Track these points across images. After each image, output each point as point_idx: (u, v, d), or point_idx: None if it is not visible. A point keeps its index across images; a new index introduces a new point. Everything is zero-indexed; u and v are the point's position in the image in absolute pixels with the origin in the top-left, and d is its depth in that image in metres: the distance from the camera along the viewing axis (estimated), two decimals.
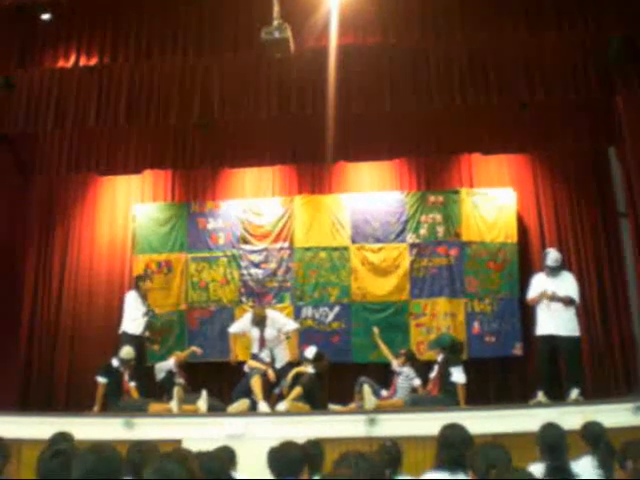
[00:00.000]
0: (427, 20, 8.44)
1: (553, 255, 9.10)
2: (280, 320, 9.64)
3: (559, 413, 6.55)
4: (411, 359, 9.47)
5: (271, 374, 8.91)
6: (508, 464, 3.51)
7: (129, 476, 3.82)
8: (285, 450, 4.15)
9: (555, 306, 8.74)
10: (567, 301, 8.69)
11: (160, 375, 9.49)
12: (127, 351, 9.30)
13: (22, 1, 8.08)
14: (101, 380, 9.07)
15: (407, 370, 9.26)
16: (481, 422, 6.54)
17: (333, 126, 9.51)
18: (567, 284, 8.88)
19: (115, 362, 9.21)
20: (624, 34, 8.64)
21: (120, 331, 9.99)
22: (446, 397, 8.23)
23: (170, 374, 9.39)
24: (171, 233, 11.33)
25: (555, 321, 8.67)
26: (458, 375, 8.32)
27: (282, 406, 8.27)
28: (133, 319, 9.98)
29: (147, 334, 10.24)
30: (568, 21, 8.25)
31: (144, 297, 10.21)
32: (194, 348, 9.97)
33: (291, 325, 9.76)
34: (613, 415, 6.54)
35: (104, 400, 9.01)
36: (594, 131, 10.28)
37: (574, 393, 8.26)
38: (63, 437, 5.26)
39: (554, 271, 8.94)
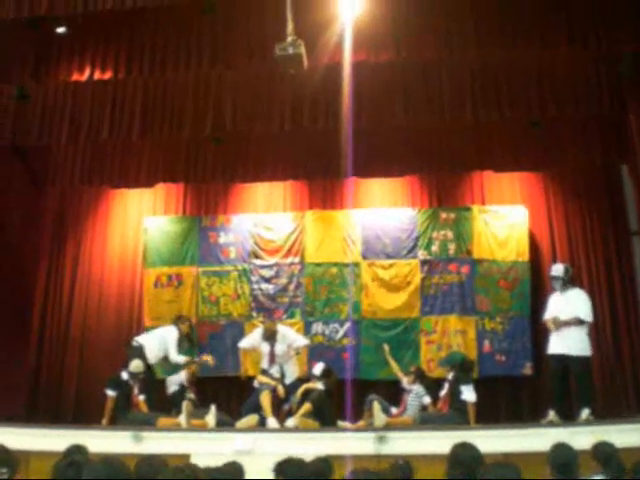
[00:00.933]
0: (439, 36, 8.45)
1: (555, 266, 9.09)
2: (290, 336, 9.62)
3: (569, 433, 6.51)
4: (421, 377, 9.42)
5: (280, 390, 8.88)
6: None
7: None
8: (293, 465, 4.13)
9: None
10: (574, 323, 8.57)
11: (172, 388, 9.47)
12: (136, 365, 9.28)
13: (38, 14, 8.12)
14: (110, 393, 9.05)
15: (417, 388, 9.22)
16: (491, 441, 6.49)
17: (345, 142, 9.51)
18: (577, 302, 8.74)
19: (124, 375, 9.20)
20: (637, 49, 8.61)
21: (135, 343, 9.90)
22: (456, 415, 8.19)
23: (182, 387, 9.36)
24: (182, 246, 11.35)
25: (565, 341, 8.59)
26: (468, 394, 8.28)
27: (291, 422, 8.23)
28: (161, 350, 9.87)
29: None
30: (581, 37, 8.26)
31: (182, 339, 10.16)
32: (206, 357, 9.89)
33: (301, 341, 9.74)
34: (624, 435, 6.47)
35: (113, 413, 8.99)
36: (606, 148, 10.25)
37: (585, 413, 8.18)
38: (78, 449, 5.24)
39: (559, 284, 8.83)
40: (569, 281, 8.90)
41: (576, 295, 8.83)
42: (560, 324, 8.54)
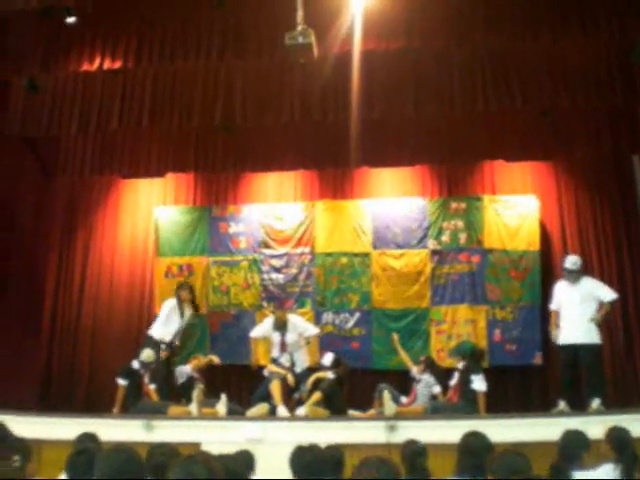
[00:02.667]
0: (451, 26, 8.44)
1: (572, 258, 9.04)
2: (301, 325, 9.63)
3: (581, 422, 6.47)
4: (431, 366, 9.42)
5: (290, 379, 8.90)
6: (529, 472, 3.49)
7: (149, 477, 3.82)
8: (310, 452, 4.15)
9: (575, 314, 8.67)
10: (610, 308, 8.79)
11: (181, 379, 9.49)
12: (147, 354, 9.32)
13: (47, 4, 8.13)
14: (121, 382, 9.09)
15: (427, 377, 9.22)
16: (502, 430, 6.49)
17: (356, 131, 9.50)
18: (590, 288, 8.77)
19: (135, 364, 9.23)
20: None
21: (148, 333, 10.03)
22: (466, 405, 8.18)
23: (191, 378, 9.38)
24: (193, 236, 11.37)
25: (575, 329, 8.60)
26: (479, 383, 8.27)
27: (301, 411, 8.26)
28: (164, 326, 10.05)
29: (177, 343, 10.31)
30: (592, 25, 8.23)
31: (181, 306, 10.22)
32: (212, 357, 9.89)
33: (312, 330, 9.75)
34: (635, 425, 6.44)
35: (124, 402, 9.03)
36: (618, 138, 10.21)
37: (595, 403, 8.18)
38: (89, 437, 5.26)
39: (573, 276, 8.82)
40: (582, 271, 8.94)
41: (593, 284, 8.88)
42: (601, 318, 8.70)
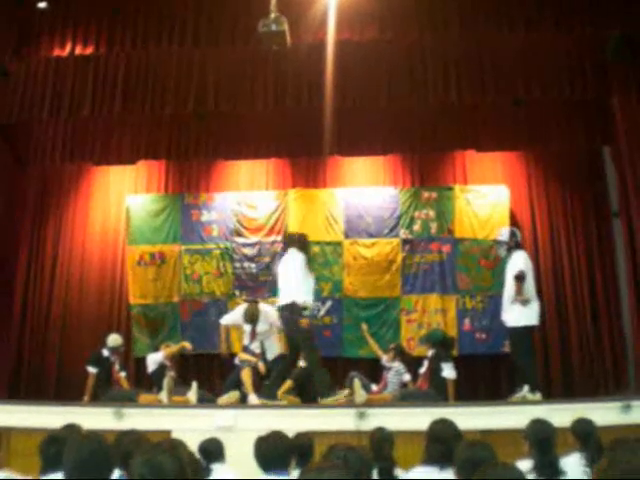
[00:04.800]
0: (424, 16, 8.46)
1: (501, 230, 9.07)
2: (273, 315, 9.60)
3: (547, 410, 6.56)
4: (400, 354, 9.48)
5: (261, 366, 8.91)
6: (493, 462, 3.52)
7: (118, 466, 3.83)
8: (272, 440, 4.16)
9: (505, 294, 8.48)
10: (517, 287, 8.18)
11: (152, 367, 9.46)
12: (114, 338, 9.32)
13: None
14: (91, 370, 9.06)
15: (397, 365, 9.28)
16: (470, 418, 6.56)
17: (329, 120, 9.50)
18: (516, 263, 8.37)
19: (105, 352, 9.21)
20: (622, 32, 8.62)
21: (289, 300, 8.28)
22: (436, 392, 8.24)
23: (162, 367, 9.35)
24: (164, 224, 11.34)
25: (504, 311, 8.51)
26: (449, 371, 8.33)
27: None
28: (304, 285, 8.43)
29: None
30: (566, 19, 8.29)
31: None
32: (185, 344, 9.83)
33: None
34: (602, 413, 6.54)
35: (94, 390, 9.00)
36: (589, 130, 10.30)
37: (524, 390, 8.01)
38: (72, 429, 5.22)
39: (502, 250, 8.65)
40: (515, 246, 8.55)
41: (515, 257, 8.47)
42: (520, 299, 8.16)
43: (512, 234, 8.65)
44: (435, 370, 8.40)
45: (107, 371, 9.16)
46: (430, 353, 8.70)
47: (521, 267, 8.25)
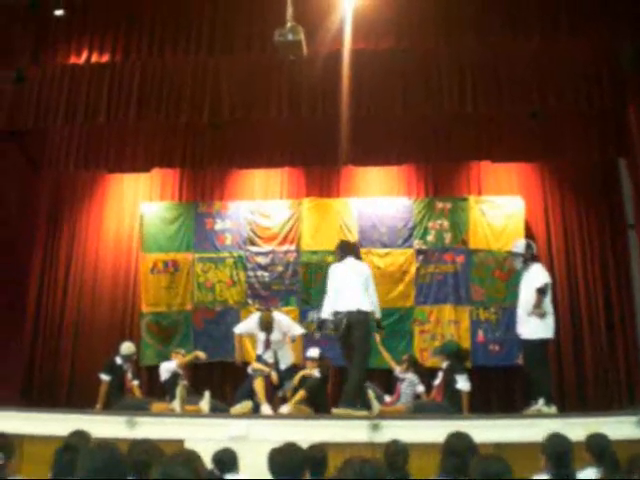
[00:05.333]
0: (441, 26, 8.43)
1: (516, 242, 8.92)
2: (286, 324, 9.53)
3: (563, 424, 6.50)
4: (413, 364, 9.44)
5: (274, 376, 8.87)
6: (509, 476, 3.49)
7: (132, 476, 3.80)
8: (287, 452, 4.13)
9: (520, 306, 8.33)
10: (537, 301, 8.01)
11: (164, 376, 9.44)
12: (127, 346, 9.33)
13: None
14: (104, 377, 9.07)
15: (411, 376, 9.23)
16: (485, 431, 6.50)
17: (343, 130, 9.48)
18: (536, 277, 8.21)
19: (118, 360, 9.20)
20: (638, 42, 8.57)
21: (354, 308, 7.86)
22: (450, 404, 8.19)
23: (175, 375, 9.33)
24: (178, 233, 11.36)
25: (518, 323, 8.39)
26: (463, 383, 8.28)
27: (285, 409, 8.24)
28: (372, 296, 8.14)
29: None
30: (582, 29, 8.24)
31: None
32: (198, 353, 9.80)
33: (297, 330, 9.62)
34: (617, 427, 6.49)
35: (107, 398, 8.99)
36: (605, 141, 10.23)
37: (539, 403, 7.88)
38: (80, 435, 5.22)
39: (518, 261, 8.48)
40: (531, 258, 8.43)
41: (534, 270, 8.34)
42: (537, 313, 7.98)
43: (528, 246, 8.53)
44: (449, 382, 8.35)
45: (120, 379, 9.16)
46: (444, 365, 8.65)
47: (546, 280, 8.15)
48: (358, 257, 8.39)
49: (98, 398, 9.01)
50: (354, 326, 7.73)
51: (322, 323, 8.20)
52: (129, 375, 9.36)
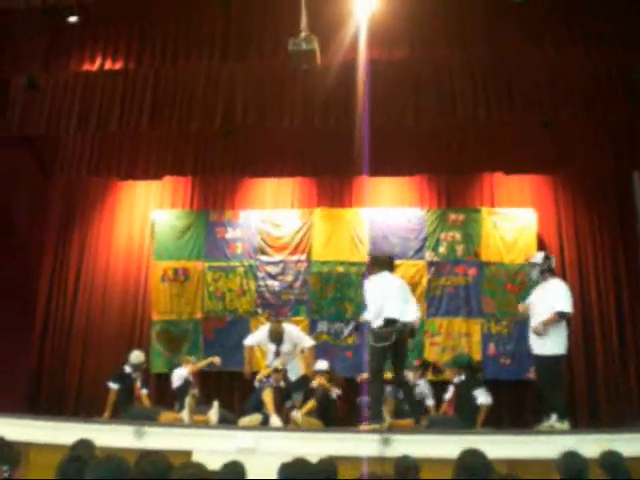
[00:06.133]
0: (454, 35, 8.41)
1: (535, 254, 8.75)
2: (297, 335, 9.47)
3: (576, 440, 6.41)
4: (426, 367, 9.34)
5: (276, 377, 8.78)
6: None
7: None
8: (296, 466, 4.08)
9: (533, 319, 8.04)
10: (554, 319, 7.73)
11: (176, 383, 9.39)
12: (136, 355, 9.28)
13: (50, 3, 8.07)
14: (113, 386, 9.02)
15: (423, 386, 9.15)
16: (497, 447, 6.39)
17: (356, 140, 9.44)
18: (555, 293, 7.94)
19: (127, 368, 9.16)
20: None
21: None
22: (462, 418, 8.08)
23: (186, 382, 9.28)
24: (189, 241, 11.33)
25: (530, 337, 8.12)
26: (484, 397, 8.10)
27: (295, 414, 8.11)
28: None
29: None
30: (595, 40, 8.20)
31: None
32: (213, 358, 9.78)
33: (307, 342, 9.54)
34: (631, 444, 6.39)
35: (115, 406, 8.94)
36: (618, 154, 10.17)
37: (552, 419, 7.71)
38: (84, 444, 5.17)
39: (539, 275, 8.21)
40: (548, 270, 8.18)
41: (555, 286, 8.07)
42: (540, 329, 7.75)
43: (546, 257, 8.30)
44: (461, 395, 8.25)
45: (129, 388, 9.11)
46: (456, 379, 8.54)
47: (568, 306, 7.87)
48: (392, 270, 8.33)
49: (106, 407, 8.96)
50: (404, 337, 7.80)
51: (358, 327, 8.17)
52: (138, 384, 9.31)
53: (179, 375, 9.40)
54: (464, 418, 8.05)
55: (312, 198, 11.53)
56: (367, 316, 7.88)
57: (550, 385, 7.90)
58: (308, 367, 9.43)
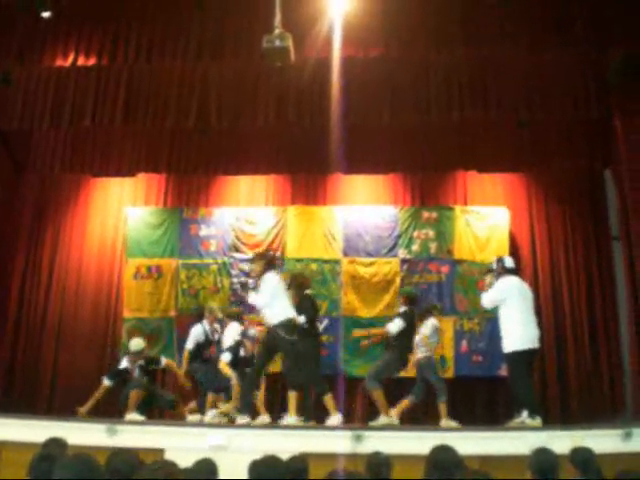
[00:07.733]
0: (429, 35, 8.47)
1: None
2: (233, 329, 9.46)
3: (547, 437, 6.48)
4: (411, 302, 9.22)
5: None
6: None
7: None
8: (267, 463, 4.08)
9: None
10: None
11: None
12: (136, 342, 9.08)
13: None
14: (106, 382, 8.88)
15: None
16: (469, 443, 6.46)
17: (330, 138, 9.45)
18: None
19: (124, 363, 9.04)
20: (625, 54, 8.58)
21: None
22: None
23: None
24: (162, 238, 11.27)
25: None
26: (392, 325, 8.75)
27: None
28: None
29: None
30: (570, 41, 8.28)
31: None
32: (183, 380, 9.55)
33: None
34: (602, 441, 6.46)
35: (97, 403, 8.84)
36: (591, 152, 10.31)
37: (522, 415, 7.77)
38: (56, 442, 5.13)
39: (494, 278, 8.29)
40: (505, 271, 8.15)
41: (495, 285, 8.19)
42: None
43: (498, 260, 8.34)
44: None
45: (121, 387, 8.96)
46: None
47: (485, 304, 8.33)
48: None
49: (90, 399, 8.82)
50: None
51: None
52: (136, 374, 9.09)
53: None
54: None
55: (286, 196, 11.51)
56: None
57: (519, 381, 7.95)
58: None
